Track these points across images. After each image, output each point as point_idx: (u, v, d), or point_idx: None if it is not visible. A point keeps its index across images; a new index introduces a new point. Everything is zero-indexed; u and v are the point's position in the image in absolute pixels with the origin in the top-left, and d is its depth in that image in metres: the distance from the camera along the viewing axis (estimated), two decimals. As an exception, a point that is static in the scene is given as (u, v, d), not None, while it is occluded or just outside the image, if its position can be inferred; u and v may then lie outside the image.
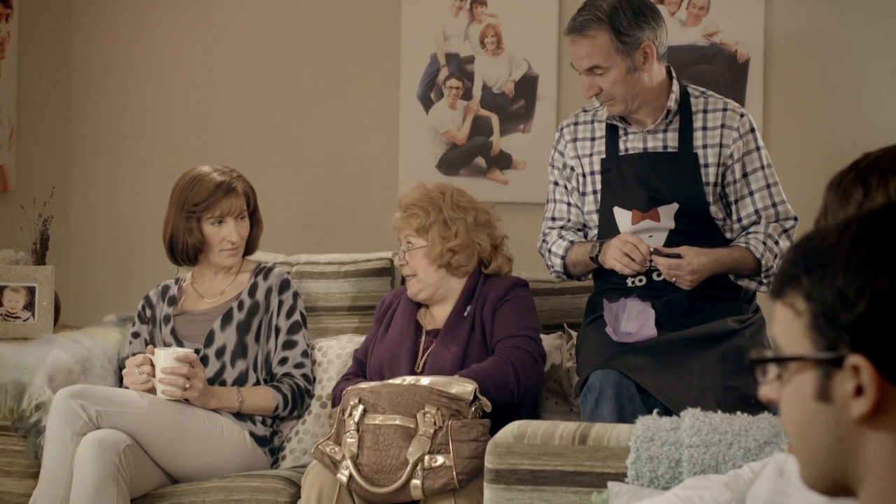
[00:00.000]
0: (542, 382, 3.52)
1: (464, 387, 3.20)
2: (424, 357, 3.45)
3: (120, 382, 3.66)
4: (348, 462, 3.15)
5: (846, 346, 1.22)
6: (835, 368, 1.23)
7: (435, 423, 3.15)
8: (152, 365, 3.48)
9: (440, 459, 3.13)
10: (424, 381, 3.23)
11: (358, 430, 3.18)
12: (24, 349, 3.71)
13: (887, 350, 1.20)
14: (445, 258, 3.51)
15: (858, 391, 1.21)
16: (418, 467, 3.12)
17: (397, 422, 3.16)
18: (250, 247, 3.80)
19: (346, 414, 3.21)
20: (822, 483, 1.27)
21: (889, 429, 1.21)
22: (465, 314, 3.48)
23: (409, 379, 3.25)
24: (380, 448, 3.15)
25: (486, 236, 3.57)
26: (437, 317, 3.56)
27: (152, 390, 3.47)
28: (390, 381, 3.28)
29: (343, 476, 3.16)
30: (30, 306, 3.90)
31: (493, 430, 2.92)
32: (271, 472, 3.49)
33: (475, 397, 3.20)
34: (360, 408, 3.20)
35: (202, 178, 3.68)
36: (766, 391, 1.30)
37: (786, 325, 1.28)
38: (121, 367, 3.72)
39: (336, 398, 3.54)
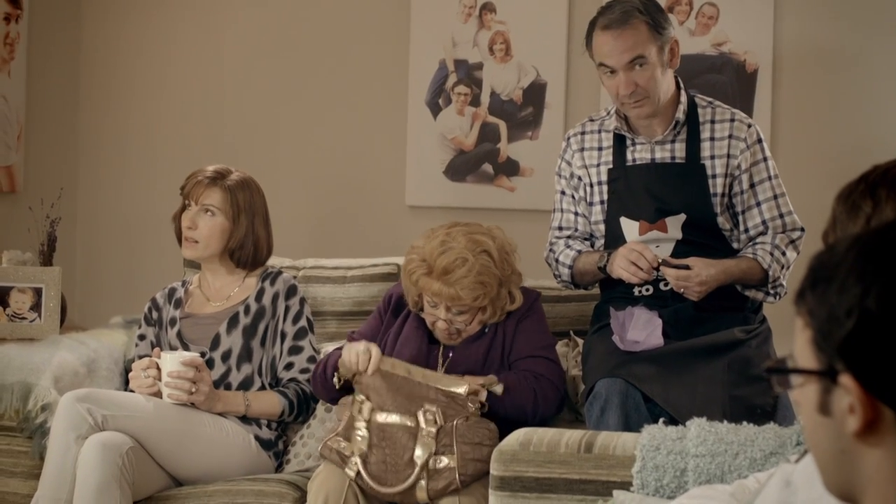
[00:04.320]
0: (561, 407, 3.42)
1: (458, 385, 3.17)
2: (444, 367, 3.38)
3: (126, 384, 3.66)
4: (357, 459, 3.16)
5: (841, 364, 1.22)
6: (833, 384, 1.23)
7: (436, 422, 3.15)
8: (158, 368, 3.48)
9: (444, 461, 3.13)
10: (418, 375, 3.19)
11: (367, 428, 3.18)
12: (30, 350, 3.72)
13: (874, 370, 1.20)
14: (498, 314, 3.40)
15: (853, 408, 1.22)
16: (424, 469, 3.13)
17: (399, 420, 3.17)
18: (245, 256, 3.72)
19: (357, 410, 3.21)
20: (835, 490, 1.28)
21: (885, 445, 1.22)
22: (486, 330, 3.40)
23: (403, 369, 3.21)
24: (386, 446, 3.16)
25: (518, 276, 3.42)
26: None
27: (158, 394, 3.47)
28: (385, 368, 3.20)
29: (351, 472, 3.16)
30: (36, 307, 3.91)
31: (504, 435, 2.91)
32: (275, 476, 3.50)
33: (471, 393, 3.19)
34: (368, 405, 3.19)
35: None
36: (793, 395, 1.31)
37: (798, 336, 1.29)
38: (127, 369, 3.72)
39: (329, 363, 3.43)
